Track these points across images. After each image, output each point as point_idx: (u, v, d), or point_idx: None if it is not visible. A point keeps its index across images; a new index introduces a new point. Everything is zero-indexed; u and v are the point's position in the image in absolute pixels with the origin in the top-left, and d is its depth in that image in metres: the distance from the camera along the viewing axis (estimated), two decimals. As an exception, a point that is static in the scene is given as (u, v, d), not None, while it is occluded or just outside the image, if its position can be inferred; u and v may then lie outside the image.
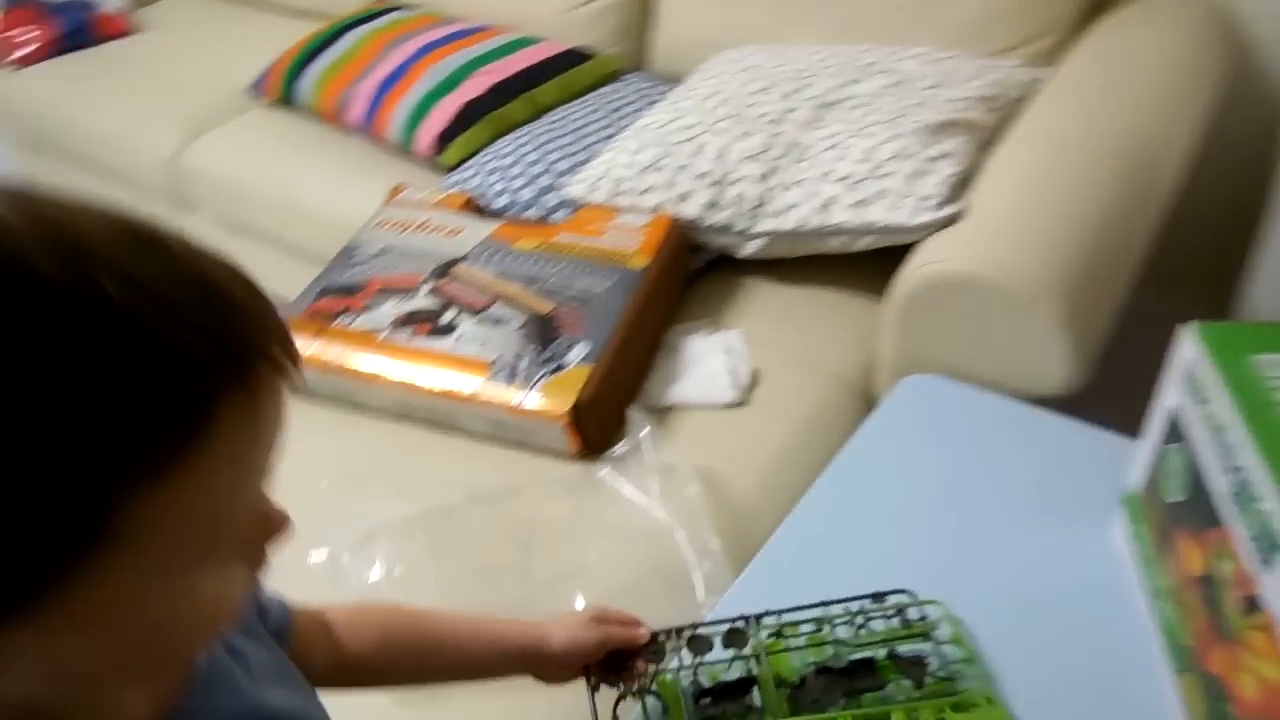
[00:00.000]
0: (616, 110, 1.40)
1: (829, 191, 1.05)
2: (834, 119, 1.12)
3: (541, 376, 0.96)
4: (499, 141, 1.38)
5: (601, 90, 1.50)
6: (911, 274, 0.94)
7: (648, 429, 0.94)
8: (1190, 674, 0.62)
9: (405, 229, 1.20)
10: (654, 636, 0.69)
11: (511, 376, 0.97)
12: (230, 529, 0.36)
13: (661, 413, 1.02)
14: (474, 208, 1.25)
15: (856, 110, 1.12)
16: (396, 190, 1.30)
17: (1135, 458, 0.73)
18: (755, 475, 0.96)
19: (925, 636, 0.69)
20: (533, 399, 0.95)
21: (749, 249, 1.13)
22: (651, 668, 0.68)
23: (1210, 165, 1.31)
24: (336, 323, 1.08)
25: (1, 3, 1.97)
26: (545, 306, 1.04)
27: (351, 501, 0.89)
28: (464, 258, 1.13)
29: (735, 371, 1.03)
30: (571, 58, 1.55)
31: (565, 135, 1.34)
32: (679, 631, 0.69)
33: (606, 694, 0.67)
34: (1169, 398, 0.67)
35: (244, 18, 2.10)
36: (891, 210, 1.00)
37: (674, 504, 0.89)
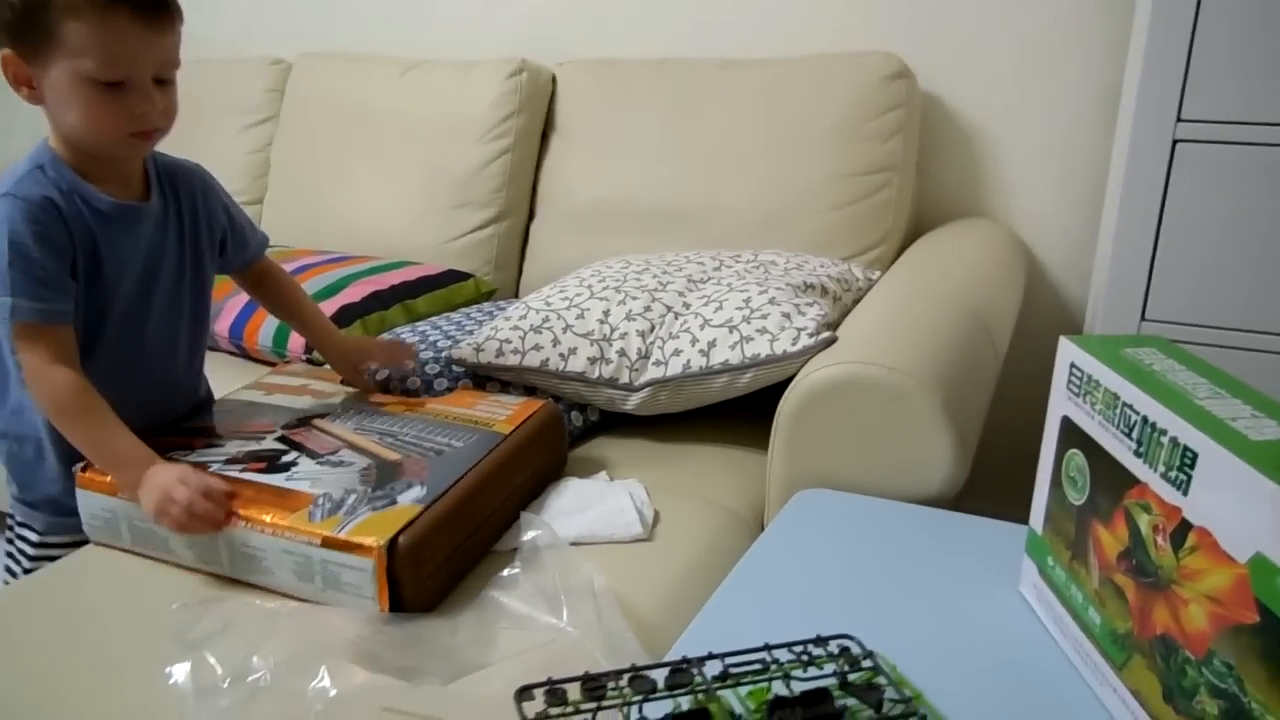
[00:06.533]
0: (493, 315, 1.46)
1: (710, 336, 1.12)
2: (708, 287, 1.23)
3: (365, 513, 0.88)
4: (378, 336, 1.41)
5: (480, 305, 1.58)
6: (796, 387, 1.00)
7: (541, 535, 0.89)
8: (1134, 658, 0.62)
9: (275, 391, 1.17)
10: (594, 677, 0.62)
11: (333, 510, 0.88)
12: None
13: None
14: (355, 381, 1.24)
15: (726, 281, 1.23)
16: (285, 363, 1.28)
17: (1034, 502, 0.77)
18: (661, 596, 0.92)
19: (874, 671, 0.66)
20: (346, 531, 0.85)
21: (634, 401, 1.16)
22: (591, 705, 0.61)
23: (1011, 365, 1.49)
24: (171, 454, 0.98)
25: None
26: (393, 456, 0.99)
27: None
28: (325, 415, 1.10)
29: (642, 509, 1.01)
30: (450, 276, 1.63)
31: (447, 326, 1.38)
32: (620, 673, 0.63)
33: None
34: (1057, 408, 0.72)
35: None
36: (772, 343, 1.08)
37: (581, 613, 0.83)
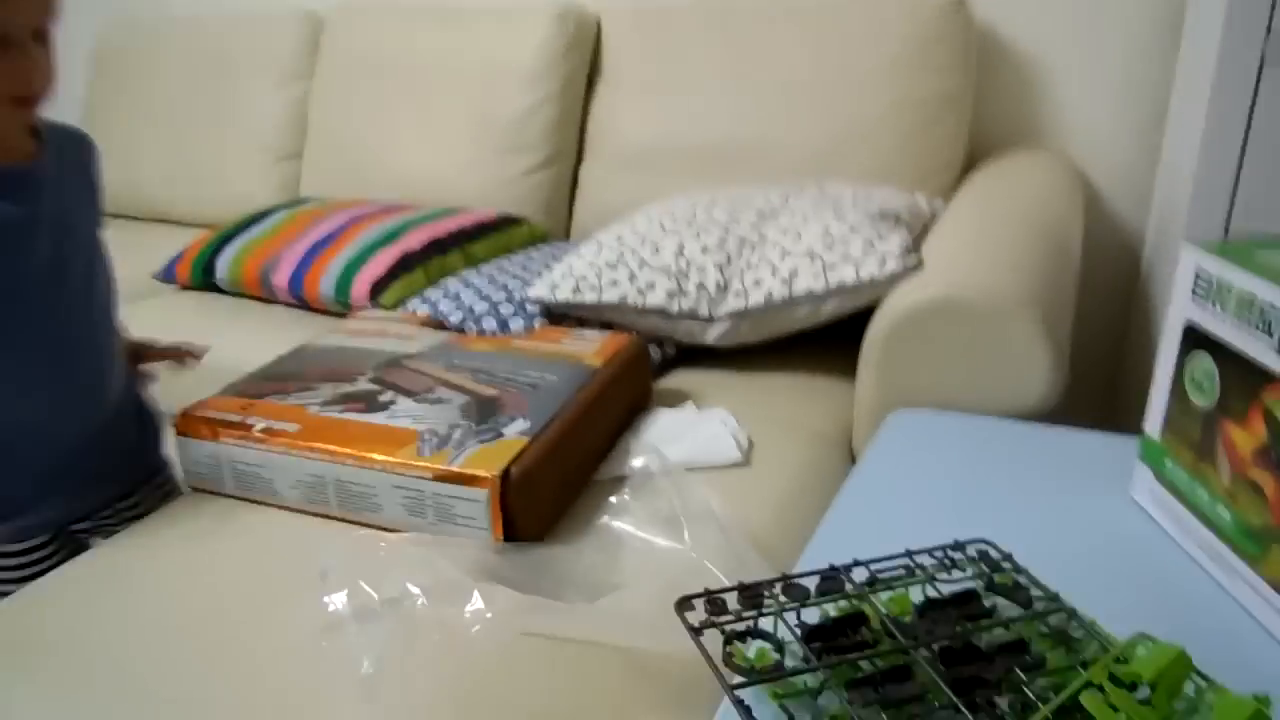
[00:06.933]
0: (556, 256, 1.46)
1: (791, 265, 1.13)
2: (781, 218, 1.23)
3: (473, 446, 0.89)
4: (443, 281, 1.41)
5: (537, 246, 1.58)
6: (888, 312, 1.00)
7: (650, 462, 0.91)
8: (1273, 549, 0.63)
9: (359, 335, 1.18)
10: (750, 586, 0.64)
11: (441, 445, 0.90)
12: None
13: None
14: (433, 324, 1.25)
15: (800, 212, 1.23)
16: (357, 310, 1.29)
17: (1150, 408, 0.78)
18: (768, 517, 0.93)
19: (1016, 572, 0.67)
20: (458, 463, 0.87)
21: (715, 333, 1.17)
22: (752, 613, 0.62)
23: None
24: (267, 399, 1.02)
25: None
26: (490, 391, 1.00)
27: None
28: (413, 355, 1.12)
29: (736, 435, 1.03)
30: (504, 221, 1.63)
31: (511, 268, 1.38)
32: (772, 582, 0.65)
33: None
34: (1179, 314, 0.73)
35: (151, 230, 2.12)
36: (857, 269, 1.08)
37: (703, 535, 0.85)
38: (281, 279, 1.54)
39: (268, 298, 1.60)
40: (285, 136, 2.02)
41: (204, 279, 1.65)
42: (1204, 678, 0.55)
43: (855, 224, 1.14)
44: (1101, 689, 0.53)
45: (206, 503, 1.00)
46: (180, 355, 1.13)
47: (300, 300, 1.55)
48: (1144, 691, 0.55)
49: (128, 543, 0.95)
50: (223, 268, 1.62)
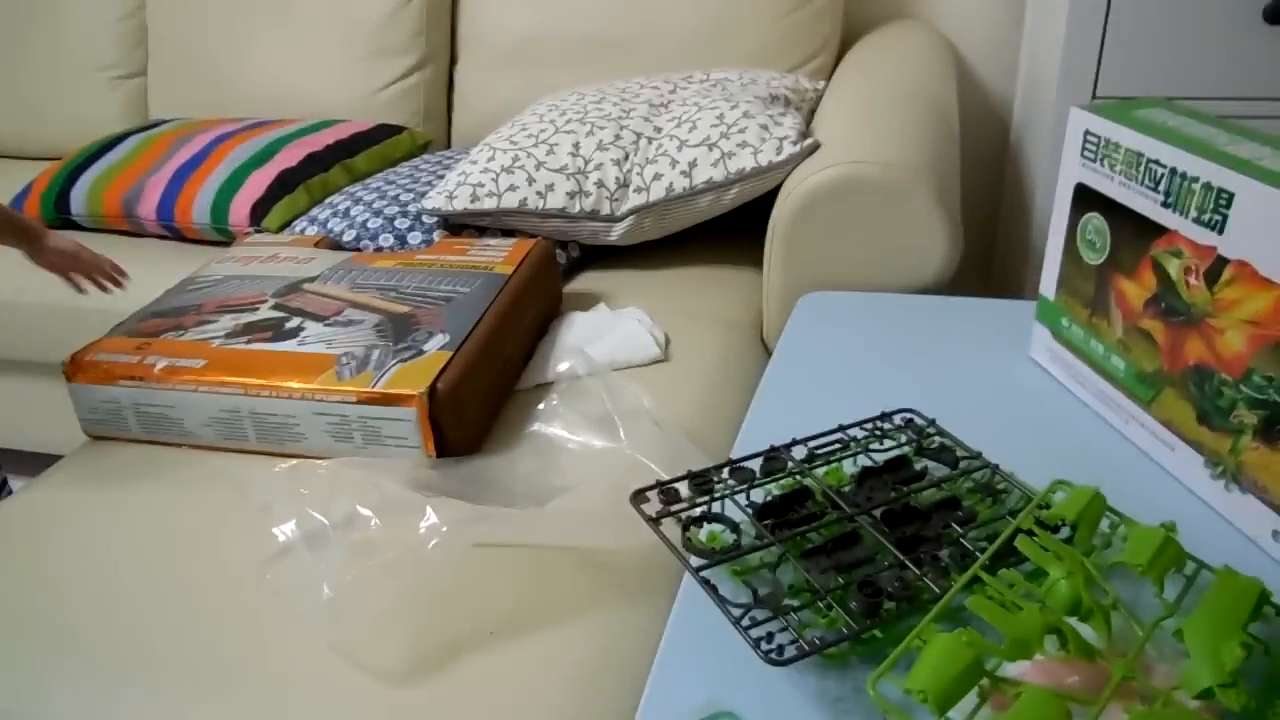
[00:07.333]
0: (445, 164, 1.42)
1: (689, 156, 1.13)
2: (672, 109, 1.22)
3: (394, 365, 0.88)
4: (329, 198, 1.35)
5: (421, 156, 1.52)
6: (790, 195, 1.02)
7: (575, 365, 0.91)
8: (1164, 392, 0.69)
9: (252, 261, 1.13)
10: (699, 474, 0.66)
11: (360, 367, 0.88)
12: None
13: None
14: (329, 245, 1.20)
15: (691, 101, 1.23)
16: (243, 235, 1.23)
17: (1045, 269, 0.83)
18: (695, 409, 0.96)
19: (940, 435, 0.72)
20: (382, 384, 0.86)
21: (618, 231, 1.17)
22: (704, 499, 0.65)
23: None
24: (163, 337, 0.98)
25: None
26: (402, 309, 0.98)
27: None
28: (314, 278, 1.08)
29: (653, 332, 1.04)
30: (383, 132, 1.56)
31: (400, 180, 1.33)
32: (719, 468, 0.67)
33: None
34: (1069, 176, 0.77)
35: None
36: (755, 155, 1.09)
37: (637, 432, 0.86)
38: (148, 209, 1.44)
39: (135, 230, 1.49)
40: (124, 52, 1.85)
41: (57, 215, 1.53)
42: (1116, 513, 0.61)
43: (748, 110, 1.14)
44: (1031, 533, 0.58)
45: (112, 450, 0.96)
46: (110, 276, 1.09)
47: (173, 230, 1.46)
48: (1066, 531, 0.60)
49: (30, 498, 0.91)
50: (79, 201, 1.50)
